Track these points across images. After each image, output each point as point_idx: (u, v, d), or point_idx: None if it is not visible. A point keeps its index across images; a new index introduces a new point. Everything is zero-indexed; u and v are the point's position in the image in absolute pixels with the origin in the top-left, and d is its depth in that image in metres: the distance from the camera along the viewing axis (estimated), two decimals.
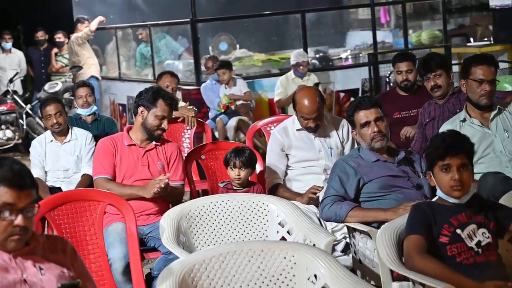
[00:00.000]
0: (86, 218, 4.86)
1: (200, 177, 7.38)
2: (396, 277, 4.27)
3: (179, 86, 8.92)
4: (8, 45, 14.18)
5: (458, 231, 3.97)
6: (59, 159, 7.08)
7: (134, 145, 5.76)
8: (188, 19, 10.99)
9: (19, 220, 3.22)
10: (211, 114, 10.34)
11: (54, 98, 7.70)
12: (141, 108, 5.78)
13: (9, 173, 3.23)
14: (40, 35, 14.55)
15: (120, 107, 12.90)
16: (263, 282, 3.78)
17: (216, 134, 9.93)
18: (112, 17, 14.71)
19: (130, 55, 13.78)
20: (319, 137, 6.06)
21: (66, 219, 4.81)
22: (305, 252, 3.82)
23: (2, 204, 3.20)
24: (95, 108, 7.86)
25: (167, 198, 5.63)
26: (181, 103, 8.77)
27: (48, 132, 7.22)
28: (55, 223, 4.76)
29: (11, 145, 12.90)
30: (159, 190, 5.41)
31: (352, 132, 5.50)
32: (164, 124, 5.73)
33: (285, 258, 3.82)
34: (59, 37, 14.05)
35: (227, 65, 10.33)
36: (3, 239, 3.25)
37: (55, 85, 13.07)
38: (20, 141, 13.06)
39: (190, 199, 5.91)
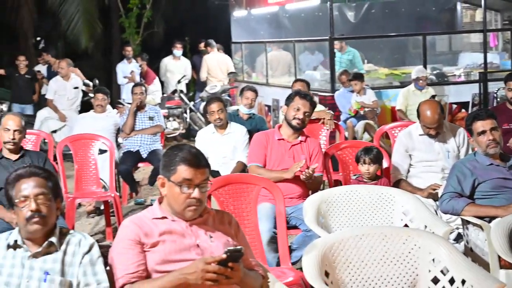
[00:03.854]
0: (244, 198, 4.87)
1: (333, 169, 7.36)
2: (503, 266, 4.17)
3: (316, 92, 8.86)
4: (179, 52, 14.46)
5: None
6: (219, 148, 7.15)
7: (283, 139, 5.81)
8: (327, 37, 10.97)
9: (196, 193, 3.31)
10: (342, 117, 10.34)
11: (217, 97, 7.71)
12: (283, 107, 5.85)
13: (188, 154, 3.33)
14: (202, 46, 14.78)
15: (266, 108, 13.01)
16: (391, 261, 3.71)
17: (346, 134, 9.89)
18: (263, 33, 14.82)
19: (275, 65, 13.79)
20: (438, 142, 5.97)
21: (228, 197, 4.85)
22: (428, 238, 3.74)
23: (182, 179, 3.29)
24: (253, 110, 7.97)
25: (310, 185, 5.64)
26: (321, 107, 8.78)
27: (211, 125, 7.34)
28: (219, 200, 4.81)
29: (176, 134, 13.15)
30: (303, 173, 5.43)
31: (469, 139, 5.38)
32: (299, 114, 5.73)
33: (410, 242, 3.74)
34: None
35: (359, 76, 10.29)
36: (183, 209, 3.34)
37: (214, 87, 13.28)
38: (184, 131, 13.33)
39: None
